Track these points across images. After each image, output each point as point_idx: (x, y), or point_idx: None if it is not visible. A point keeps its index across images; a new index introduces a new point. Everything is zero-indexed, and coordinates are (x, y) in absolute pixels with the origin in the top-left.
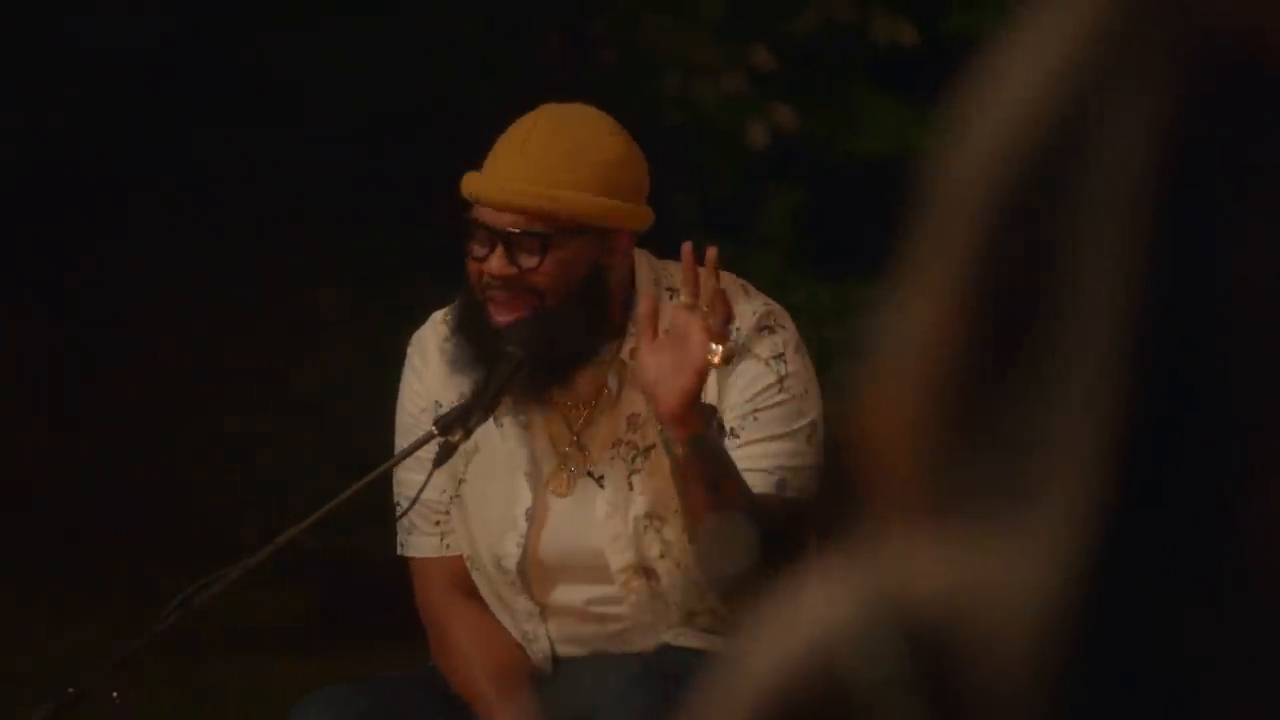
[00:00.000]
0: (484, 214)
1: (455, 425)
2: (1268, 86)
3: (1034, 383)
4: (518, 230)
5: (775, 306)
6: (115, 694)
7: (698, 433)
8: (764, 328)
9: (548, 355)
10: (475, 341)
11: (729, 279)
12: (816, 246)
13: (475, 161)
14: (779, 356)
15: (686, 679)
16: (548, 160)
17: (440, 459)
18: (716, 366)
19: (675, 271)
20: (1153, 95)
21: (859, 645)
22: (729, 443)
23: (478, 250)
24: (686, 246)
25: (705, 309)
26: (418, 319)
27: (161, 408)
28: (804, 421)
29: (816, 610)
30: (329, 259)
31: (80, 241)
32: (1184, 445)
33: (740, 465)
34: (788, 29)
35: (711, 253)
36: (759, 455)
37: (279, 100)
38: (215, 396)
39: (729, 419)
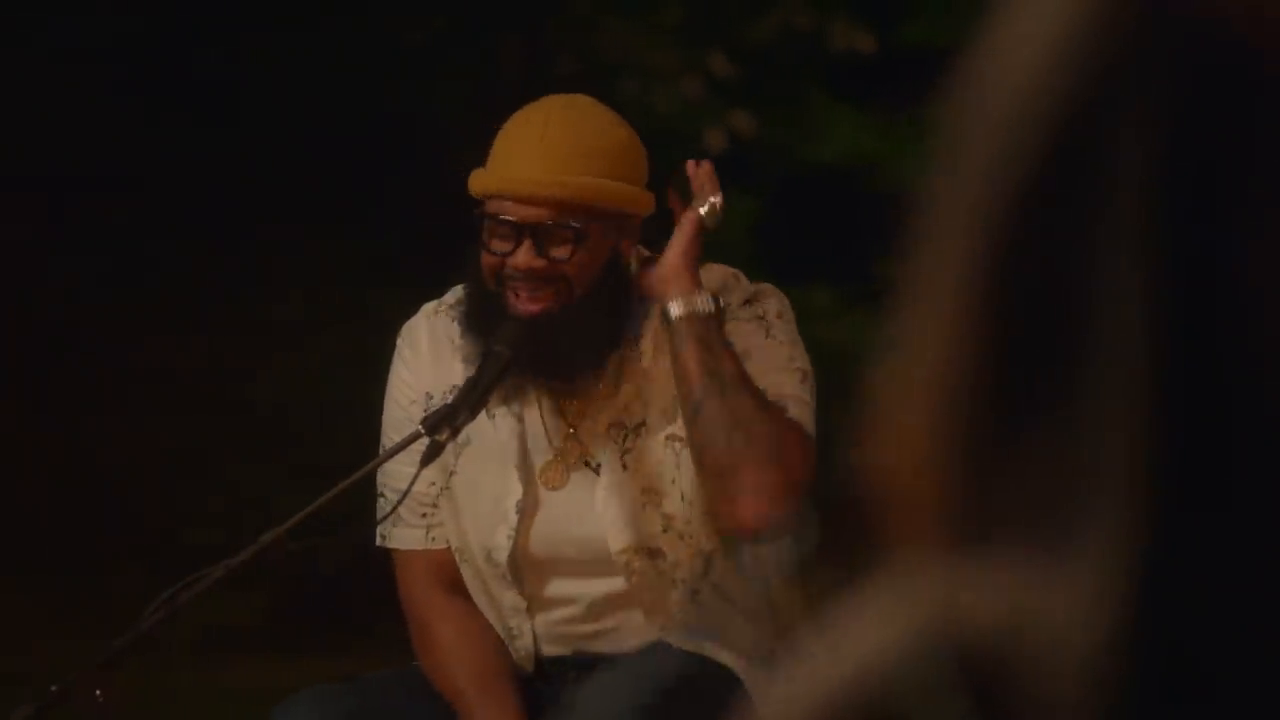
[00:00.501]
0: (505, 208)
1: (442, 424)
2: (1261, 85)
3: (1059, 405)
4: (549, 223)
5: (766, 289)
6: (98, 692)
7: (693, 294)
8: (748, 302)
9: (545, 352)
10: (487, 331)
11: (721, 269)
12: (773, 252)
13: (433, 166)
14: (761, 318)
15: (672, 678)
16: (570, 150)
17: (427, 458)
18: (706, 223)
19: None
20: (1149, 101)
21: (910, 668)
22: None
23: (499, 245)
24: (689, 163)
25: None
26: (374, 324)
27: (119, 411)
28: (796, 365)
29: (865, 633)
30: (285, 264)
31: (40, 246)
32: (1222, 456)
33: None
34: (746, 35)
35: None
36: (763, 386)
37: (235, 106)
38: (173, 401)
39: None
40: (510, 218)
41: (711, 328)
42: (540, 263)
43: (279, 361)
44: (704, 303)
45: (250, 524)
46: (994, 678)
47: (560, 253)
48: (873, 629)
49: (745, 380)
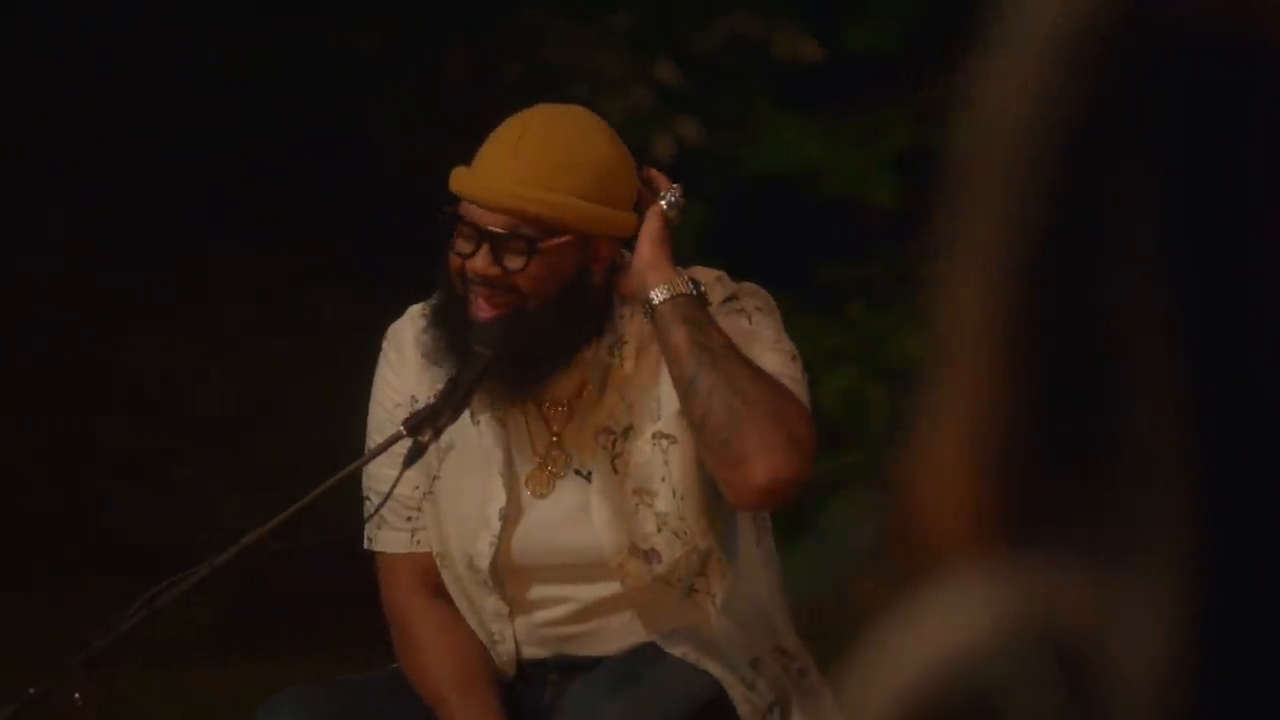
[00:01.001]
0: (470, 211)
1: (424, 425)
2: (1266, 85)
3: (1106, 420)
4: (505, 231)
5: (748, 287)
6: (77, 695)
7: (672, 278)
8: (730, 298)
9: (519, 355)
10: (453, 335)
11: (709, 272)
12: (720, 258)
13: (380, 172)
14: (742, 310)
15: (656, 681)
16: (540, 163)
17: (410, 459)
18: (669, 214)
19: None
20: (1154, 116)
21: (1001, 659)
22: None
23: (462, 246)
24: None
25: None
26: (320, 329)
27: (65, 418)
28: (783, 347)
29: (951, 625)
30: (234, 272)
31: None
32: (1270, 463)
33: None
34: (694, 44)
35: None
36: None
37: (181, 107)
38: (121, 409)
39: None
40: (472, 221)
41: (695, 306)
42: (495, 270)
43: (224, 366)
44: (685, 285)
45: (192, 527)
46: (1083, 672)
47: (514, 263)
48: (959, 624)
49: (736, 351)
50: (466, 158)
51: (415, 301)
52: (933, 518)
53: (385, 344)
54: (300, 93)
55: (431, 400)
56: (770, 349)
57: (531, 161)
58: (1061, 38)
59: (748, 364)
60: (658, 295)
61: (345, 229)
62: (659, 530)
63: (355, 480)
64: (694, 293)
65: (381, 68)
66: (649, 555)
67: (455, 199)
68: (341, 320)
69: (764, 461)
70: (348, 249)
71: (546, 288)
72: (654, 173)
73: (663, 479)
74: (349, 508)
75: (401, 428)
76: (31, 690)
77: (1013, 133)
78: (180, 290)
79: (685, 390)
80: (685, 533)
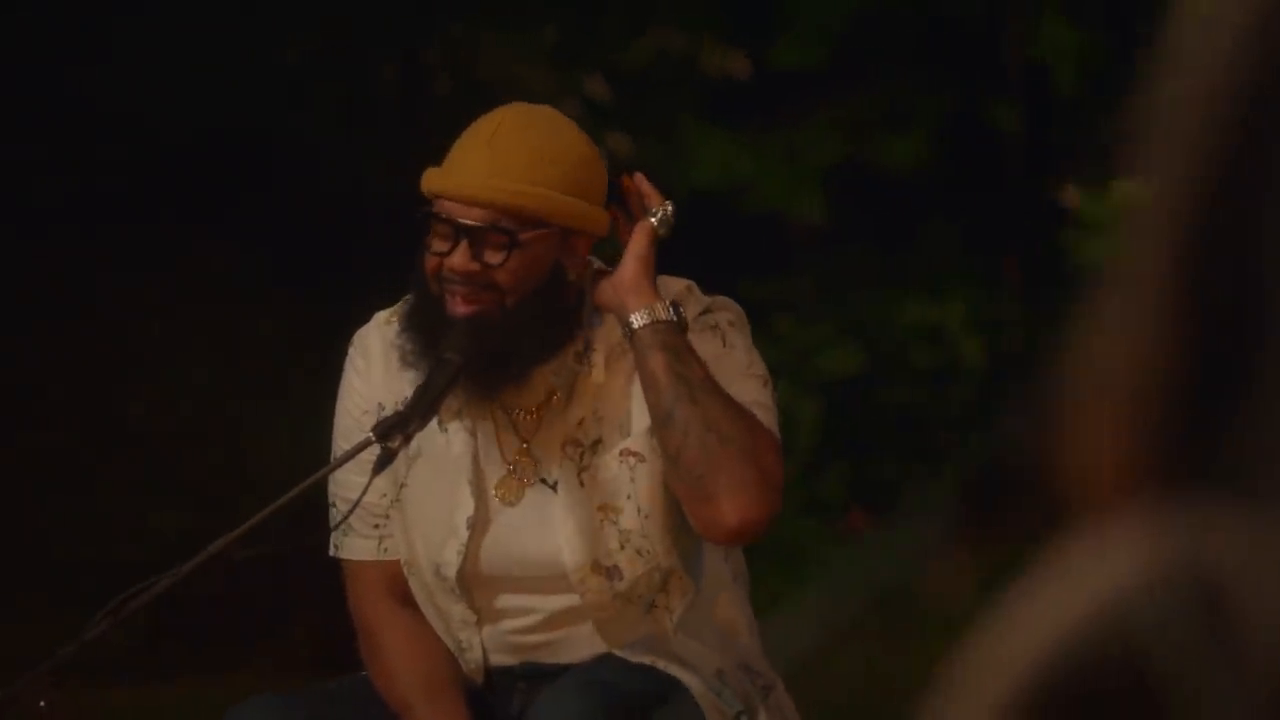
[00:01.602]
0: (447, 208)
1: (394, 432)
2: None
3: (1262, 365)
4: (484, 226)
5: (721, 301)
6: (42, 702)
7: (654, 303)
8: (704, 312)
9: (490, 359)
10: (429, 337)
11: (679, 283)
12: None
13: (305, 185)
14: (715, 327)
15: (623, 687)
16: (516, 157)
17: (380, 466)
18: (660, 231)
19: None
20: None
21: (1150, 606)
22: None
23: (439, 245)
24: (624, 178)
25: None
26: (250, 348)
27: None
28: (755, 371)
29: (1100, 574)
30: (162, 285)
31: None
32: None
33: None
34: (622, 58)
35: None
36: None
37: (103, 120)
38: (45, 424)
39: None
40: (450, 218)
41: (675, 334)
42: (474, 266)
43: (147, 380)
44: (666, 311)
45: (119, 541)
46: (1233, 618)
47: (493, 258)
48: (1108, 572)
49: (714, 384)
50: (397, 170)
51: (346, 315)
52: (1086, 464)
53: (352, 350)
54: (228, 107)
55: (400, 407)
56: (743, 374)
57: (507, 156)
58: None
59: (724, 398)
60: (638, 319)
61: (275, 243)
62: (621, 547)
63: (316, 489)
64: (674, 318)
65: (309, 82)
66: (611, 572)
67: (426, 201)
68: (270, 334)
69: (735, 501)
70: (277, 264)
71: (524, 284)
72: (646, 185)
73: (628, 496)
74: (310, 515)
75: (371, 434)
76: None
77: (1192, 101)
78: (110, 305)
79: (661, 421)
80: (648, 551)
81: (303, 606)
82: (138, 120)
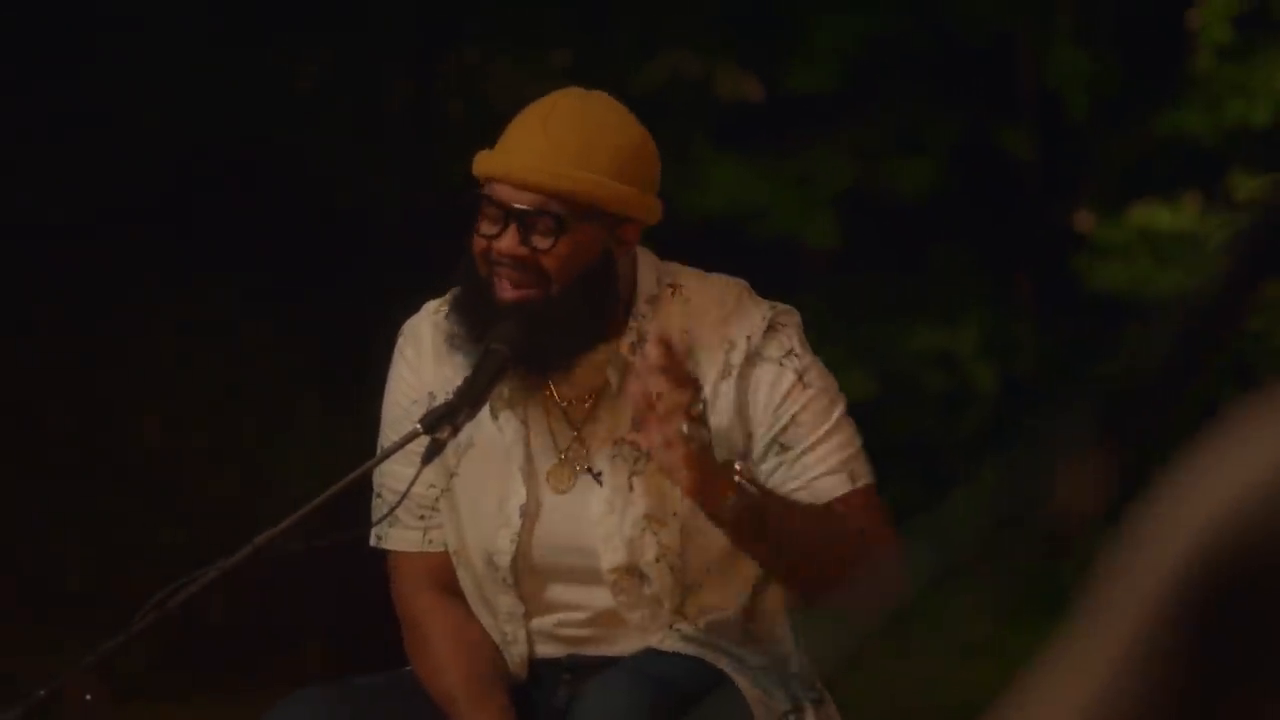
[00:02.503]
0: (498, 191)
1: (442, 423)
2: None
3: None
4: (533, 210)
5: (781, 307)
6: (88, 696)
7: (731, 495)
8: (771, 328)
9: (538, 347)
10: (476, 322)
11: (737, 286)
12: None
13: (314, 204)
14: (789, 354)
15: (670, 680)
16: (569, 141)
17: (429, 456)
18: (741, 476)
19: (677, 271)
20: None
21: None
22: (785, 456)
23: (488, 228)
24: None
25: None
26: (250, 367)
27: None
28: (840, 408)
29: (1246, 462)
30: (171, 303)
31: None
32: None
33: (809, 475)
34: (634, 82)
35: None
36: (823, 456)
37: (124, 142)
38: (51, 443)
39: (768, 433)
40: (500, 201)
41: (756, 514)
42: (522, 250)
43: (155, 399)
44: (743, 486)
45: (120, 561)
46: None
47: (542, 242)
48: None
49: (806, 528)
50: (409, 191)
51: (352, 338)
52: None
53: (401, 340)
54: (239, 125)
55: (443, 402)
56: (835, 422)
57: (560, 140)
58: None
59: (828, 520)
60: (720, 517)
61: (286, 262)
62: (657, 560)
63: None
64: (754, 493)
65: (323, 103)
66: (643, 578)
67: (477, 184)
68: (280, 353)
69: (836, 595)
70: (287, 283)
71: (572, 270)
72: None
73: (674, 514)
74: (344, 513)
75: (418, 425)
76: (41, 691)
77: (1202, 526)
78: (117, 323)
79: (772, 578)
80: (680, 570)
81: (314, 626)
82: (149, 138)
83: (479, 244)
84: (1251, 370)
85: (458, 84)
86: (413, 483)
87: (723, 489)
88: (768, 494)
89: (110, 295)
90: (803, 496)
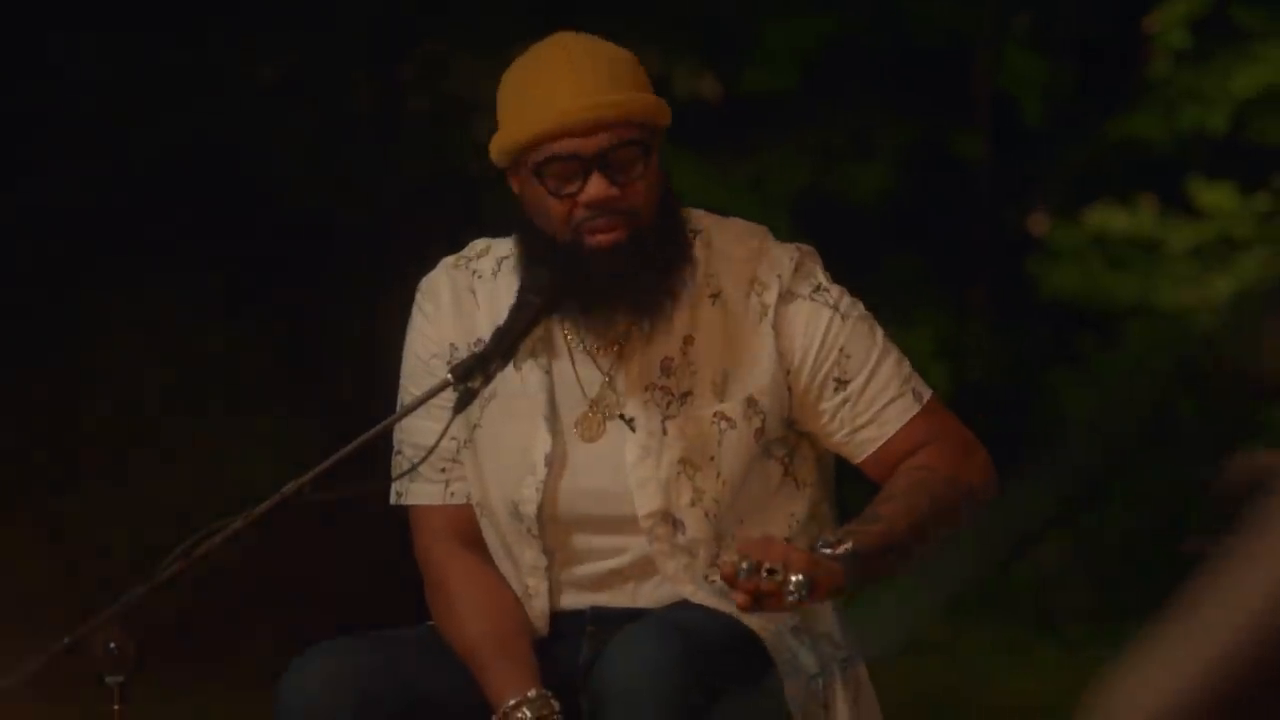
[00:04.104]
0: (563, 146)
1: (474, 372)
2: None
3: None
4: (611, 145)
5: (804, 250)
6: (112, 644)
7: (839, 571)
8: (799, 266)
9: (626, 283)
10: (574, 278)
11: (757, 227)
12: None
13: (276, 201)
14: (819, 289)
15: (701, 634)
16: (600, 71)
17: (460, 404)
18: (831, 548)
19: (696, 215)
20: None
21: None
22: (846, 392)
23: (568, 186)
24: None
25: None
26: (209, 366)
27: None
28: (880, 331)
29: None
30: (120, 303)
31: None
32: None
33: (875, 406)
34: None
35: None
36: (885, 384)
37: (83, 140)
38: (7, 439)
39: (819, 372)
40: (571, 154)
41: (863, 551)
42: (614, 190)
43: (112, 396)
44: (845, 556)
45: (73, 561)
46: None
47: (631, 173)
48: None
49: (914, 520)
50: (372, 185)
51: (313, 335)
52: None
53: (419, 296)
54: (200, 121)
55: (473, 349)
56: (882, 345)
57: (594, 72)
58: None
59: (934, 501)
60: (847, 587)
61: (243, 259)
62: (692, 504)
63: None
64: (851, 550)
65: (285, 98)
66: (677, 524)
67: (494, 170)
68: (240, 348)
69: (976, 500)
70: (247, 279)
71: (655, 195)
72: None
73: (711, 458)
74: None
75: (449, 375)
76: (66, 639)
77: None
78: (69, 320)
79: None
80: (715, 516)
81: (268, 617)
82: (109, 136)
83: (560, 208)
84: None
85: (420, 78)
86: (443, 434)
87: (831, 571)
88: (863, 530)
89: (68, 293)
90: (871, 431)
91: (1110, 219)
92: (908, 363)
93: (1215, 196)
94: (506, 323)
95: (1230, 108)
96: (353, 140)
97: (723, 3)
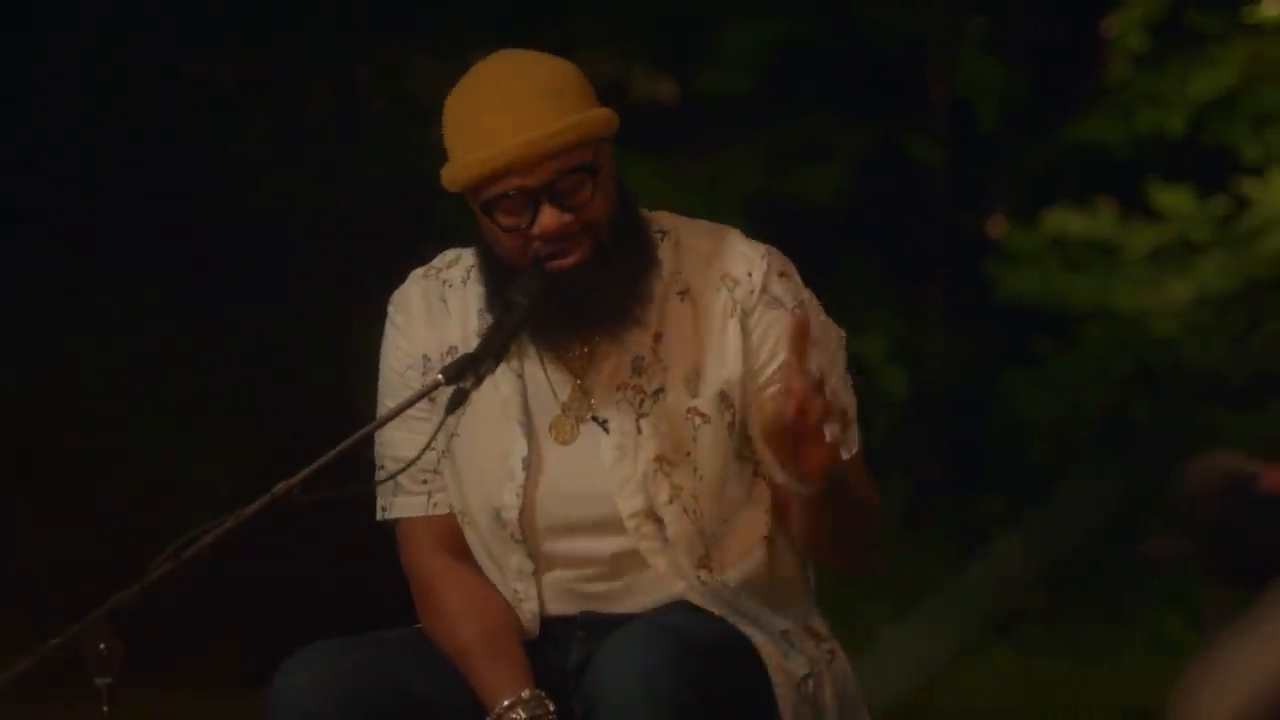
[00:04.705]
0: (510, 183)
1: (466, 372)
2: None
3: None
4: (558, 174)
5: (773, 248)
6: (103, 645)
7: (830, 476)
8: (782, 273)
9: (596, 303)
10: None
11: (723, 226)
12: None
13: (235, 204)
14: (801, 304)
15: (695, 637)
16: (535, 97)
17: (452, 406)
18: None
19: (660, 216)
20: None
21: None
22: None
23: (519, 222)
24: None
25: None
26: (161, 368)
27: None
28: (844, 362)
29: None
30: (73, 305)
31: None
32: None
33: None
34: None
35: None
36: (838, 410)
37: (36, 140)
38: None
39: (775, 383)
40: (520, 190)
41: (843, 473)
42: (567, 218)
43: (63, 403)
44: (837, 464)
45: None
46: None
47: (580, 198)
48: None
49: (858, 495)
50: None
51: (267, 338)
52: None
53: (390, 309)
54: (157, 123)
55: (445, 359)
56: (838, 366)
57: (529, 101)
58: None
59: (864, 501)
60: (810, 490)
61: (202, 262)
62: (670, 501)
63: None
64: (840, 466)
65: (241, 99)
66: (659, 522)
67: (451, 197)
68: (193, 354)
69: (866, 559)
70: (204, 282)
71: (609, 210)
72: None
73: (687, 454)
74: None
75: (440, 375)
76: (55, 641)
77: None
78: (18, 322)
79: (816, 551)
80: (694, 511)
81: (224, 622)
82: (64, 138)
83: (512, 241)
84: None
85: (377, 80)
86: (435, 434)
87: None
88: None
89: (20, 293)
90: None
91: (1068, 222)
92: (854, 407)
93: (1173, 199)
94: (495, 324)
95: (1188, 111)
96: (311, 142)
97: (680, 5)
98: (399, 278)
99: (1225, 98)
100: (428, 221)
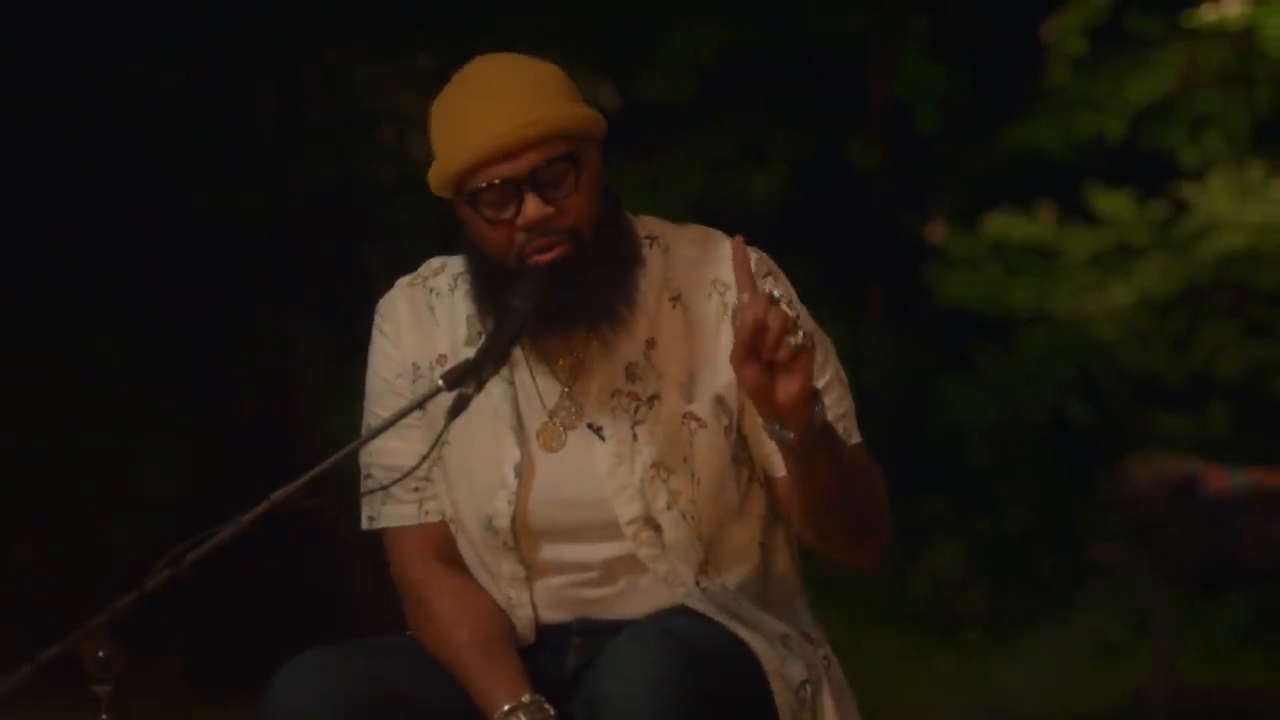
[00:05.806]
0: (494, 172)
1: (467, 378)
2: None
3: None
4: (542, 163)
5: (760, 252)
6: (101, 652)
7: (810, 415)
8: (767, 274)
9: (560, 305)
10: (498, 288)
11: (711, 230)
12: None
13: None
14: (790, 305)
15: (696, 642)
16: (521, 90)
17: (453, 413)
18: (805, 347)
19: (647, 221)
20: None
21: None
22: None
23: (503, 212)
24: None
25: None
26: (104, 373)
27: None
28: (835, 363)
29: None
30: (14, 310)
31: None
32: None
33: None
34: None
35: (737, 243)
36: (830, 405)
37: None
38: None
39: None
40: (503, 180)
41: (825, 421)
42: (549, 209)
43: (11, 409)
44: (818, 410)
45: None
46: None
47: (564, 188)
48: None
49: (853, 462)
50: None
51: (210, 342)
52: None
53: (378, 318)
54: (98, 126)
55: (435, 367)
56: (833, 370)
57: (515, 94)
58: None
59: (863, 471)
60: (790, 436)
61: (147, 269)
62: (668, 507)
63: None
64: (821, 412)
65: (184, 103)
66: (658, 528)
67: (437, 196)
68: (140, 361)
69: (878, 549)
70: (150, 289)
71: (593, 205)
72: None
73: (684, 459)
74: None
75: (440, 381)
76: (53, 648)
77: None
78: None
79: (809, 511)
80: (692, 517)
81: (176, 633)
82: (4, 140)
83: (497, 233)
84: None
85: (322, 86)
86: (437, 442)
87: (809, 405)
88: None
89: None
90: None
91: (1008, 226)
92: (851, 402)
93: (1113, 203)
94: (495, 328)
95: (1127, 115)
96: (256, 145)
97: (620, 10)
98: (345, 281)
99: (1163, 102)
100: (373, 225)
